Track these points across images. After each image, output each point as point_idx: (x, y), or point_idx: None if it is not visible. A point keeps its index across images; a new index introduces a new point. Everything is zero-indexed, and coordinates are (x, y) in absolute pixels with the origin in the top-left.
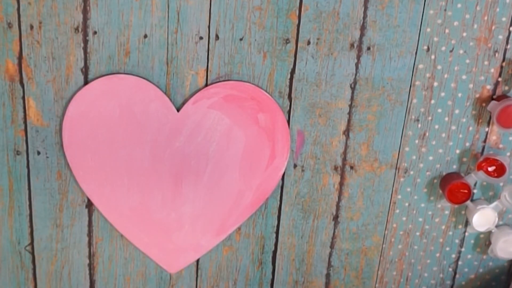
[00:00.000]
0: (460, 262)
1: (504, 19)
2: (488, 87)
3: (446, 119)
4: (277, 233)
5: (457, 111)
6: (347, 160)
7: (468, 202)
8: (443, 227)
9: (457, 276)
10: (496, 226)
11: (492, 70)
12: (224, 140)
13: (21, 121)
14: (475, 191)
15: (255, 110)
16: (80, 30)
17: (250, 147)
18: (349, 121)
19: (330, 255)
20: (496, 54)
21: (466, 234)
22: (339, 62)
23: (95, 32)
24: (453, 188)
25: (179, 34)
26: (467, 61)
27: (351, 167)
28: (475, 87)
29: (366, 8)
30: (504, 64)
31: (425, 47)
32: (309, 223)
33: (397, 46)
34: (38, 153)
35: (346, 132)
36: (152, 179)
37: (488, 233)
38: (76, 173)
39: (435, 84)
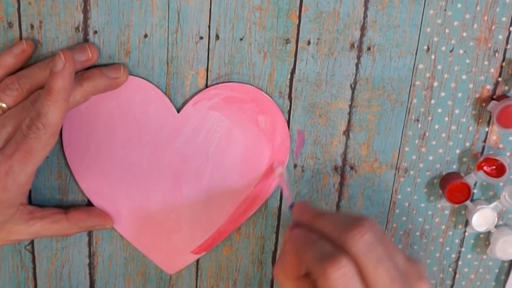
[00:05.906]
0: (460, 262)
1: (504, 19)
2: (488, 87)
3: (446, 119)
4: (277, 233)
5: (457, 111)
6: (347, 160)
7: (468, 202)
8: (443, 227)
9: (457, 276)
10: (496, 227)
11: (492, 70)
12: (224, 142)
13: None
14: (475, 191)
15: (256, 112)
16: (80, 29)
17: (250, 149)
18: (349, 121)
19: None
20: (496, 54)
21: (466, 234)
22: (339, 62)
23: (95, 32)
24: (453, 188)
25: (179, 34)
26: (467, 61)
27: (351, 167)
28: (475, 87)
29: (366, 8)
30: (504, 64)
31: (425, 47)
32: None
33: (397, 46)
34: None
35: (346, 132)
36: (151, 179)
37: (489, 233)
38: (76, 173)
39: (435, 84)
